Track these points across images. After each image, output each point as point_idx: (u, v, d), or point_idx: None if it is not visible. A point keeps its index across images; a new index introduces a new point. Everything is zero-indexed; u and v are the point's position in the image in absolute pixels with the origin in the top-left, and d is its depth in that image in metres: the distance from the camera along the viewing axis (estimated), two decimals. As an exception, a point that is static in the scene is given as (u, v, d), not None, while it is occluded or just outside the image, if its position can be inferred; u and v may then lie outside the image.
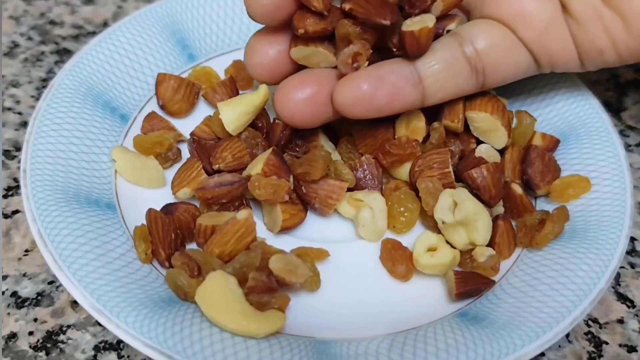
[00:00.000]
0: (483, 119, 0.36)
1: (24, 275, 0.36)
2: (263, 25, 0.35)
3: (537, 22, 0.34)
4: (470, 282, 0.33)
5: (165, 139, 0.38)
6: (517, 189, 0.36)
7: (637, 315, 0.36)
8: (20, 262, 0.36)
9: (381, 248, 0.35)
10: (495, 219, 0.35)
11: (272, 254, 0.32)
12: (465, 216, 0.34)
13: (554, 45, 0.35)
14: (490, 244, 0.35)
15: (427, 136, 0.37)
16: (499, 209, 0.36)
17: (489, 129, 0.37)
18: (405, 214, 0.36)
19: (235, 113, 0.36)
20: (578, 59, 0.36)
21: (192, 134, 0.39)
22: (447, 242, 0.35)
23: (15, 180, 0.41)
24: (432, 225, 0.35)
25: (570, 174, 0.37)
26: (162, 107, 0.41)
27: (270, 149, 0.35)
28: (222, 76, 0.44)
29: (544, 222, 0.34)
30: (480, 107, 0.36)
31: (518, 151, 0.38)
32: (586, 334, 0.35)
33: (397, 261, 0.34)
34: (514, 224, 0.36)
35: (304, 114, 0.34)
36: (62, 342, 0.33)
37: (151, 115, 0.40)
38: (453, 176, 0.36)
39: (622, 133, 0.46)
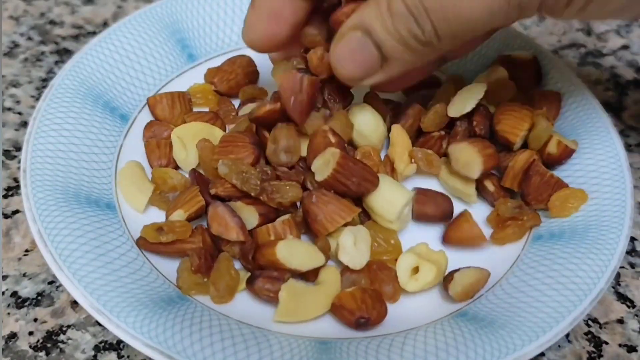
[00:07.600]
0: (461, 150, 0.36)
1: (24, 275, 0.36)
2: None
3: None
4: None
5: (169, 178, 0.37)
6: (490, 186, 0.37)
7: (637, 315, 0.36)
8: (20, 262, 0.36)
9: (365, 270, 0.34)
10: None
11: None
12: None
13: None
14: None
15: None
16: (473, 198, 0.37)
17: (466, 160, 0.36)
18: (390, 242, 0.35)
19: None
20: None
21: (192, 169, 0.37)
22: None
23: (16, 180, 0.41)
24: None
25: (563, 189, 0.36)
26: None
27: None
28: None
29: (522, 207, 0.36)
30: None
31: (526, 158, 0.37)
32: (586, 334, 0.35)
33: (384, 281, 0.33)
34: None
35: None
36: (62, 342, 0.33)
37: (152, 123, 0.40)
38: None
39: (622, 133, 0.46)
